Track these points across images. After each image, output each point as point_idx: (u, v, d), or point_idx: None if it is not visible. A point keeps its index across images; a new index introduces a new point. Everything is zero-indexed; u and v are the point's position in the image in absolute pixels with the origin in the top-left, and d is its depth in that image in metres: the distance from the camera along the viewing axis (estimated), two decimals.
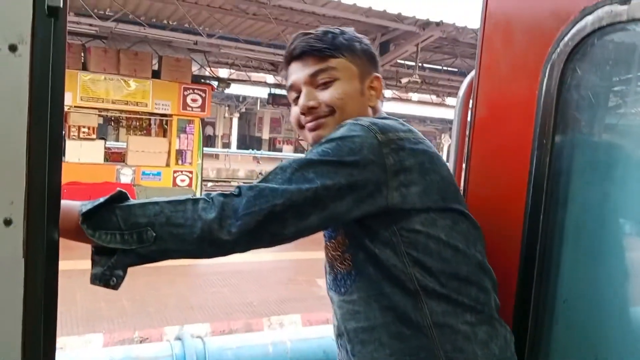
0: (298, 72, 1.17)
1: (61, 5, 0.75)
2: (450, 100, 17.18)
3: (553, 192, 1.01)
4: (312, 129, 1.17)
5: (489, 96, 1.16)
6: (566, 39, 0.97)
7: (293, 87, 1.20)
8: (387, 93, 17.46)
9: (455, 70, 12.56)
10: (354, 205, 0.98)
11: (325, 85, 1.15)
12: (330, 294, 1.20)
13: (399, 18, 8.54)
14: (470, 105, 1.21)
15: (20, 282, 0.77)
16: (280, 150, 32.67)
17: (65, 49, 0.77)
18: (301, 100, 1.17)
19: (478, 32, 1.18)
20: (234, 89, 18.41)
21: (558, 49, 0.98)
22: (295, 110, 1.21)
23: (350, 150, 0.98)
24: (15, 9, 0.71)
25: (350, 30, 1.22)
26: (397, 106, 20.03)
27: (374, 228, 1.03)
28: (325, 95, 1.14)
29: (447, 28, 8.54)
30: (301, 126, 1.20)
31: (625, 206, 0.97)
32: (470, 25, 8.23)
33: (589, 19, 0.92)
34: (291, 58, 1.19)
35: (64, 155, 9.73)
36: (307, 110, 1.16)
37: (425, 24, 8.17)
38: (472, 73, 1.23)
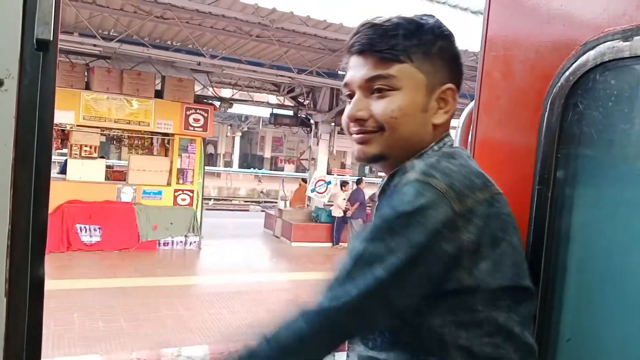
0: (354, 71, 1.00)
1: (51, 39, 0.73)
2: (454, 122, 17.16)
3: (555, 230, 0.98)
4: (358, 142, 1.01)
5: (489, 130, 1.14)
6: (567, 73, 0.95)
7: (347, 86, 1.03)
8: None
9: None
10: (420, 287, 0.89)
11: (381, 94, 0.97)
12: (354, 342, 1.04)
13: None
14: (470, 138, 1.18)
15: (1, 321, 0.74)
16: (282, 169, 32.73)
17: (55, 83, 0.75)
18: (349, 108, 1.01)
19: (477, 64, 1.16)
20: (237, 109, 18.53)
21: (559, 83, 0.96)
22: (345, 111, 1.04)
23: (421, 228, 0.84)
24: (2, 42, 0.69)
25: (432, 22, 1.00)
26: None
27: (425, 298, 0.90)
28: (377, 108, 0.97)
29: None
30: (350, 134, 1.04)
31: (629, 244, 0.94)
32: (471, 49, 8.27)
33: (591, 54, 0.91)
34: (349, 50, 1.02)
35: (65, 174, 9.76)
36: (355, 121, 1.00)
37: None
38: (471, 104, 1.21)
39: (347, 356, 1.11)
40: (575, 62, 0.94)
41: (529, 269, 0.95)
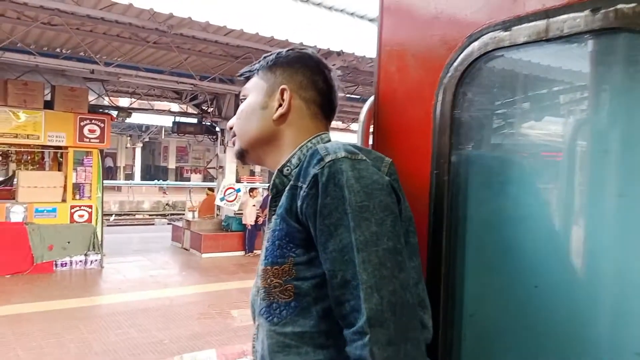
0: None
1: None
2: (354, 126, 17.72)
3: (453, 208, 1.04)
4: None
5: (388, 121, 1.19)
6: (455, 64, 1.01)
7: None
8: None
9: (358, 97, 13.00)
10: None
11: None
12: (259, 320, 1.09)
13: (301, 47, 8.71)
14: (371, 130, 1.23)
15: None
16: (188, 179, 31.85)
17: None
18: None
19: (375, 61, 1.21)
20: (136, 118, 17.80)
21: (449, 74, 1.03)
22: None
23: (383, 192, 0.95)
24: None
25: (284, 50, 1.23)
26: None
27: None
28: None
29: (347, 57, 8.83)
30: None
31: (520, 221, 1.02)
32: (369, 55, 8.57)
33: (475, 44, 0.98)
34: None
35: None
36: (230, 130, 1.26)
37: (327, 54, 8.39)
38: (372, 98, 1.26)
39: (256, 335, 1.12)
40: (461, 53, 1.00)
41: (432, 249, 1.02)
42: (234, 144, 1.21)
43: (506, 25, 0.93)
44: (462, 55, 1.00)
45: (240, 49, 9.45)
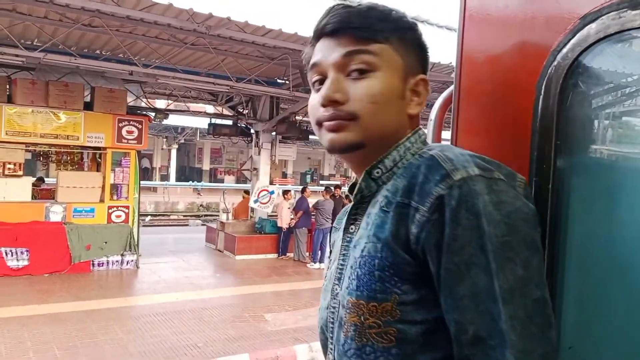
0: (327, 51, 0.90)
1: None
2: None
3: (556, 223, 0.87)
4: (332, 130, 0.88)
5: (473, 118, 1.02)
6: (565, 50, 0.84)
7: (316, 68, 0.92)
8: None
9: None
10: None
11: (361, 74, 0.87)
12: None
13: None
14: (452, 128, 1.05)
15: None
16: (222, 181, 32.11)
17: None
18: (325, 89, 0.88)
19: (456, 46, 1.04)
20: (172, 120, 17.99)
21: (555, 62, 0.86)
22: (314, 99, 0.92)
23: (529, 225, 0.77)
24: None
25: (401, 11, 0.92)
26: None
27: None
28: (357, 90, 0.86)
29: None
30: (319, 122, 0.91)
31: (635, 236, 0.84)
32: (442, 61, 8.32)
33: (592, 26, 0.80)
34: (321, 34, 0.92)
35: None
36: (329, 103, 0.87)
37: None
38: (449, 90, 1.09)
39: None
40: (573, 37, 0.83)
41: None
42: (334, 129, 0.88)
43: (635, 3, 0.76)
44: (574, 40, 0.83)
45: (277, 50, 9.37)
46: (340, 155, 0.92)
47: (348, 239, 0.92)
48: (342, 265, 0.92)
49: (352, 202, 0.95)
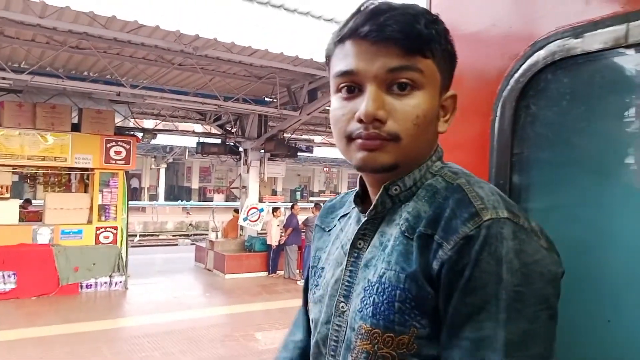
0: (366, 59, 0.79)
1: None
2: None
3: None
4: (368, 149, 0.81)
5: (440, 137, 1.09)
6: (517, 75, 0.92)
7: (350, 75, 0.81)
8: (318, 138, 17.68)
9: None
10: None
11: (401, 90, 0.79)
12: None
13: (325, 66, 8.70)
14: None
15: None
16: (211, 199, 32.03)
17: None
18: (366, 105, 0.79)
19: None
20: (161, 140, 18.02)
21: (509, 86, 0.93)
22: (342, 108, 0.83)
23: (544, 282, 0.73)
24: None
25: (436, 14, 0.85)
26: (327, 150, 20.35)
27: None
28: (400, 109, 0.79)
29: None
30: (346, 135, 0.83)
31: (594, 245, 0.91)
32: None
33: (541, 53, 0.88)
34: (356, 35, 0.80)
35: None
36: (371, 122, 0.79)
37: None
38: None
39: None
40: (524, 63, 0.91)
41: None
42: (372, 148, 0.81)
43: (577, 32, 0.83)
44: (525, 65, 0.90)
45: (264, 69, 9.49)
46: (369, 173, 0.88)
47: (355, 254, 0.89)
48: (349, 282, 0.88)
49: (366, 217, 0.89)
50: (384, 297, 0.80)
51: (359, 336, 0.82)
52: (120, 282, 9.96)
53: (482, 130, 0.98)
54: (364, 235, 0.89)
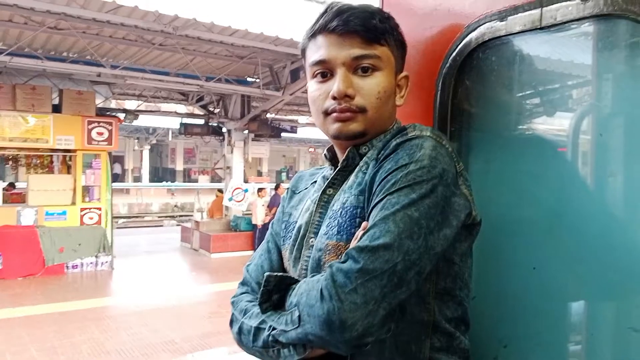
0: (335, 49, 1.00)
1: None
2: None
3: None
4: (341, 120, 1.01)
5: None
6: (454, 54, 1.04)
7: (323, 63, 1.01)
8: (302, 119, 17.73)
9: None
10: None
11: (365, 73, 1.00)
12: None
13: (302, 58, 8.74)
14: None
15: None
16: (196, 181, 31.97)
17: None
18: (339, 84, 0.99)
19: None
20: (143, 121, 17.92)
21: (447, 64, 1.05)
22: (318, 90, 1.03)
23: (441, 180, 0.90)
24: None
25: (387, 12, 1.06)
26: (312, 131, 20.42)
27: None
28: (365, 86, 0.99)
29: None
30: (323, 111, 1.03)
31: (516, 205, 1.05)
32: None
33: (473, 35, 1.00)
34: (325, 30, 1.01)
35: None
36: (342, 97, 0.99)
37: None
38: None
39: None
40: (460, 43, 1.03)
41: None
42: (344, 120, 1.01)
43: (502, 15, 0.96)
44: (460, 46, 1.03)
45: (245, 49, 9.50)
46: (344, 141, 1.06)
47: (325, 199, 1.07)
48: (319, 222, 1.05)
49: (337, 168, 1.08)
50: (347, 217, 0.99)
51: (326, 253, 1.00)
52: (106, 262, 10.04)
53: (427, 104, 1.11)
54: (334, 184, 1.07)
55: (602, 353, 0.91)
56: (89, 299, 8.11)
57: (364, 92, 0.99)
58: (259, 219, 12.06)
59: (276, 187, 12.82)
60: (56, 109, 9.75)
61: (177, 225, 17.73)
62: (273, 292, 0.96)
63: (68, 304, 7.71)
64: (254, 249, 12.17)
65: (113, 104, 12.56)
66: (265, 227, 12.05)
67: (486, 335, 1.04)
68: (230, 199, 12.45)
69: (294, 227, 1.13)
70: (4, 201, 9.65)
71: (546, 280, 1.00)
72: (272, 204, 12.07)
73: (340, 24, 0.99)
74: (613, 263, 0.87)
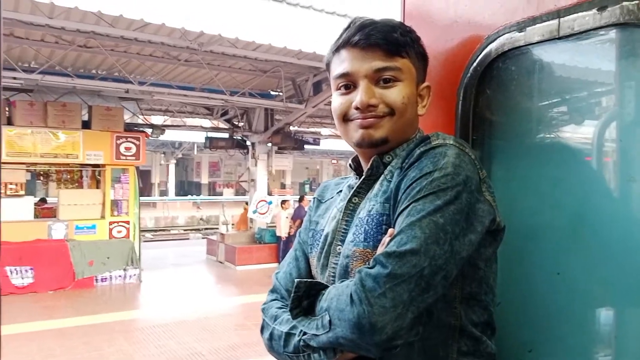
0: (357, 62, 1.04)
1: None
2: None
3: None
4: (365, 127, 1.05)
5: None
6: (475, 64, 1.06)
7: (346, 76, 1.06)
8: (325, 131, 17.81)
9: None
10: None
11: (387, 84, 1.04)
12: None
13: (326, 71, 8.80)
14: None
15: None
16: (220, 194, 32.28)
17: None
18: (360, 96, 1.03)
19: None
20: (169, 135, 18.22)
21: (469, 74, 1.08)
22: (342, 101, 1.08)
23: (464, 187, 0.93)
24: None
25: (408, 26, 1.10)
26: (334, 143, 20.48)
27: None
28: (388, 95, 1.03)
29: None
30: (345, 119, 1.08)
31: (539, 212, 1.06)
32: None
33: (493, 45, 1.03)
34: (348, 44, 1.06)
35: None
36: (366, 108, 1.03)
37: None
38: None
39: None
40: (480, 54, 1.06)
41: None
42: (368, 126, 1.05)
43: (521, 26, 0.98)
44: (481, 56, 1.05)
45: (268, 63, 9.63)
46: (367, 149, 1.09)
47: (351, 207, 1.10)
48: (345, 229, 1.09)
49: (362, 177, 1.12)
50: (373, 224, 1.02)
51: (353, 259, 1.03)
52: (134, 275, 10.20)
53: (449, 113, 1.13)
54: (359, 192, 1.11)
55: (627, 358, 0.91)
56: (117, 312, 8.25)
57: (388, 99, 1.04)
58: (283, 231, 12.11)
59: (300, 200, 12.88)
60: (86, 125, 10.02)
61: (203, 238, 17.91)
62: (303, 298, 0.99)
63: (97, 317, 7.86)
64: (279, 262, 12.27)
65: (140, 120, 12.83)
66: (289, 239, 12.09)
67: (511, 340, 1.05)
68: (254, 211, 12.55)
69: (321, 235, 1.16)
70: (36, 216, 9.88)
71: (570, 285, 1.01)
72: (296, 216, 12.11)
73: (362, 38, 1.03)
74: (636, 267, 0.88)
